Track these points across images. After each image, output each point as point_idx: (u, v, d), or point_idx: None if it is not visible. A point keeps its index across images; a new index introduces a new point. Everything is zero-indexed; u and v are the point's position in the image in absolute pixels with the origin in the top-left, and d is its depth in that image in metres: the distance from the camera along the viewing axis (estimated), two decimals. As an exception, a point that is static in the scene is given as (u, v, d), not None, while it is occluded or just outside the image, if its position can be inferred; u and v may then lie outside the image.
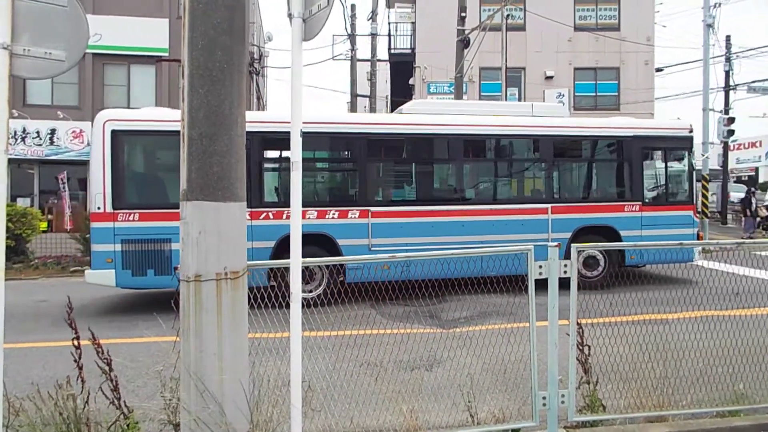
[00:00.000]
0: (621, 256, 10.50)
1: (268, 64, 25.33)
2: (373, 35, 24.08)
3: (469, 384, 4.28)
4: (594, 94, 22.78)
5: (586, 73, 22.82)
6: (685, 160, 11.53)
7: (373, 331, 4.69)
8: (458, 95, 16.53)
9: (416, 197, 10.28)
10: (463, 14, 15.96)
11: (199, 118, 3.00)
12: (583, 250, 3.78)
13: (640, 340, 4.39)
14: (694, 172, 11.93)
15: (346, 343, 4.25)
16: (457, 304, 7.92)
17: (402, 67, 24.23)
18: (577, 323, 3.90)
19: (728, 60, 25.32)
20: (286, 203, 9.09)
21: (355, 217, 9.57)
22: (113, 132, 8.74)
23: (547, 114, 11.15)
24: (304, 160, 9.30)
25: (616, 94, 22.79)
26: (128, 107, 18.01)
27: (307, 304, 9.23)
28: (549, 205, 10.40)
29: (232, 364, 3.08)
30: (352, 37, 23.42)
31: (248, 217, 8.71)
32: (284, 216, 9.07)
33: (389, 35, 24.75)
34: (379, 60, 25.34)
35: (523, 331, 4.00)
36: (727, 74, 25.45)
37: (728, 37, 25.48)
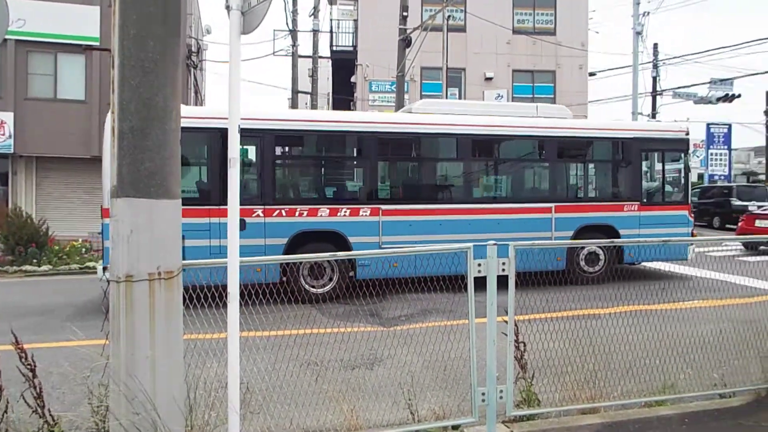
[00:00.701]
0: (619, 253, 10.76)
1: (206, 57, 24.67)
2: (315, 32, 23.86)
3: (410, 382, 4.30)
4: (531, 95, 23.40)
5: (524, 76, 23.42)
6: (681, 162, 11.86)
7: (314, 331, 4.64)
8: (399, 95, 16.62)
9: (425, 196, 10.34)
10: (405, 14, 16.04)
11: (131, 111, 2.87)
12: (521, 248, 3.83)
13: (574, 335, 4.51)
14: (690, 174, 12.13)
15: (287, 343, 4.18)
16: (398, 302, 7.95)
17: (344, 64, 24.15)
18: (515, 320, 3.97)
19: (655, 67, 26.63)
20: (299, 201, 9.64)
21: (366, 215, 9.63)
22: None
23: (551, 115, 11.35)
24: (317, 158, 9.18)
25: (553, 96, 23.49)
26: (55, 98, 17.15)
27: (317, 299, 9.02)
28: (553, 204, 10.60)
29: (165, 368, 2.96)
30: (293, 32, 23.11)
31: (261, 215, 9.11)
32: (296, 213, 9.27)
33: (331, 32, 24.60)
34: (320, 57, 25.13)
35: (463, 329, 4.05)
36: (655, 80, 26.77)
37: (656, 45, 26.81)
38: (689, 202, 11.85)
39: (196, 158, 9.52)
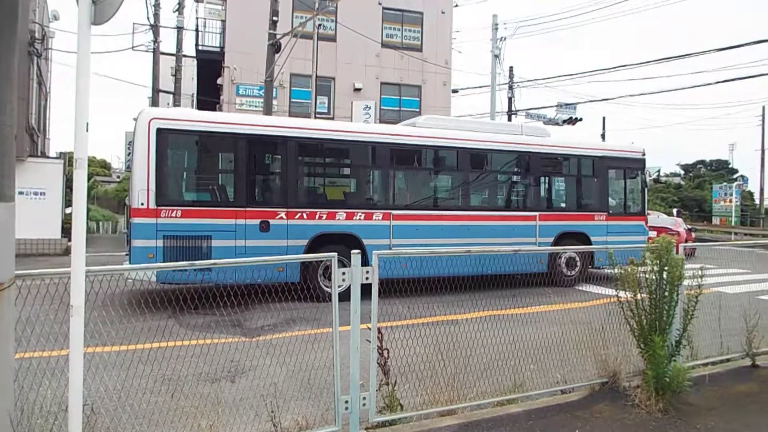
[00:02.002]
0: (592, 258, 11.55)
1: (52, 46, 22.45)
2: (179, 29, 22.73)
3: (273, 393, 4.20)
4: (398, 108, 24.16)
5: (392, 88, 24.12)
6: (639, 178, 13.29)
7: (171, 344, 4.37)
8: (268, 100, 16.33)
9: (430, 203, 11.17)
10: (275, 18, 15.81)
11: (-46, 101, 2.51)
12: (384, 256, 3.91)
13: (435, 340, 4.68)
14: (646, 189, 13.56)
15: (139, 358, 3.89)
16: (262, 311, 7.75)
17: (210, 65, 23.24)
18: (378, 327, 4.04)
19: (511, 88, 28.75)
20: (320, 205, 10.24)
21: (378, 219, 10.36)
22: (158, 130, 8.85)
23: (533, 134, 12.64)
24: (336, 165, 10.47)
25: (418, 110, 24.41)
26: None
27: (330, 297, 9.37)
28: (537, 213, 11.83)
29: (-9, 392, 2.61)
30: (155, 27, 21.82)
31: (284, 217, 9.59)
32: (317, 216, 9.87)
33: (197, 31, 23.57)
34: (185, 56, 23.99)
35: (329, 337, 4.04)
36: (510, 100, 28.88)
37: (511, 68, 28.97)
38: (646, 213, 13.46)
39: (223, 163, 10.02)
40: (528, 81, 29.09)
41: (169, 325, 4.23)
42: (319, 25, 19.32)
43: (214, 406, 4.23)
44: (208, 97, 24.42)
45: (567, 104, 28.74)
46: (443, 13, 24.69)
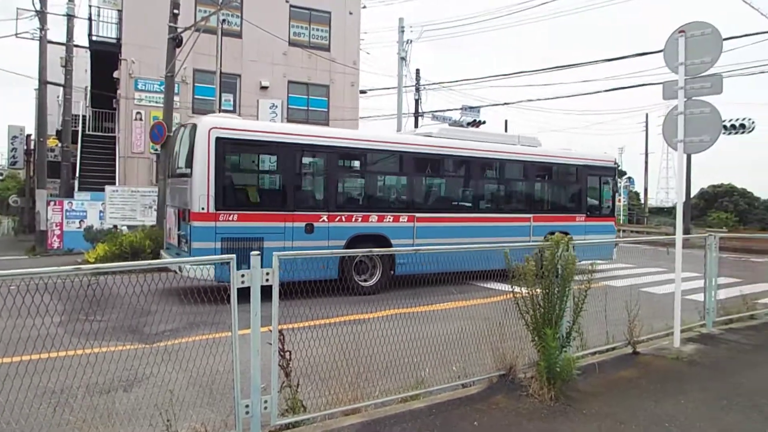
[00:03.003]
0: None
1: None
2: (70, 16, 21.22)
3: (170, 400, 4.02)
4: (306, 108, 23.97)
5: (300, 87, 23.87)
6: (610, 184, 15.23)
7: (55, 354, 4.06)
8: (169, 95, 15.61)
9: (446, 206, 12.49)
10: (176, 11, 15.14)
11: None
12: (284, 257, 3.86)
13: (340, 340, 4.67)
14: (616, 194, 15.36)
15: (16, 372, 3.59)
16: (162, 315, 7.40)
17: (106, 57, 21.93)
18: (279, 329, 3.98)
19: (418, 90, 29.33)
20: (356, 208, 11.17)
21: (404, 222, 11.43)
22: (218, 139, 9.47)
23: (528, 144, 14.00)
24: (370, 172, 11.76)
25: (326, 110, 24.36)
26: None
27: (364, 291, 10.48)
28: (531, 215, 13.36)
29: None
30: (41, 14, 20.24)
31: (326, 220, 10.52)
32: (353, 219, 10.86)
33: (90, 20, 22.13)
34: (77, 46, 22.43)
35: (231, 340, 3.92)
36: (417, 102, 29.46)
37: (418, 71, 29.53)
38: (615, 215, 15.16)
39: (274, 169, 10.76)
40: (434, 84, 29.81)
41: (51, 334, 3.91)
42: (224, 20, 18.76)
43: (105, 417, 4.00)
44: (104, 90, 23.04)
45: (471, 107, 29.77)
46: (351, 13, 24.77)
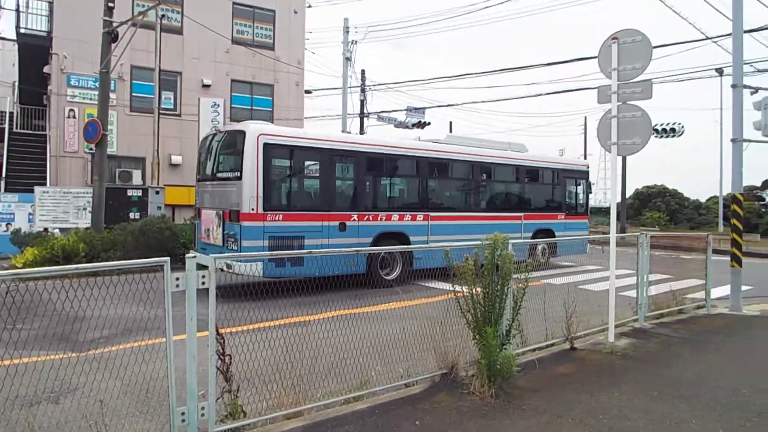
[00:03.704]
0: (555, 249, 14.84)
1: None
2: (-5, 7, 20.11)
3: (101, 411, 3.85)
4: (250, 107, 23.58)
5: (243, 86, 23.46)
6: (584, 185, 16.90)
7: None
8: (104, 92, 14.95)
9: (454, 206, 13.76)
10: (110, 4, 14.54)
11: None
12: (222, 260, 3.76)
13: (283, 342, 4.59)
14: (589, 194, 17.19)
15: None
16: (96, 321, 7.08)
17: (35, 51, 20.86)
18: (220, 333, 3.88)
19: (363, 91, 29.34)
20: (381, 209, 12.15)
21: (420, 220, 12.54)
22: (265, 145, 10.25)
23: (516, 150, 15.59)
24: (393, 175, 13.24)
25: (271, 109, 24.02)
26: None
27: (387, 284, 11.40)
28: (522, 214, 14.85)
29: None
30: (-36, 5, 19.10)
31: (356, 219, 11.53)
32: (378, 218, 11.90)
33: (17, 10, 21.05)
34: (3, 39, 21.32)
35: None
36: (362, 103, 29.46)
37: (363, 71, 29.53)
38: (588, 213, 17.13)
39: (314, 174, 11.58)
40: (379, 84, 30.00)
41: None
42: (163, 15, 18.24)
43: (26, 432, 3.79)
44: (34, 86, 21.94)
45: (416, 108, 30.00)
46: (296, 12, 24.54)
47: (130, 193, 17.68)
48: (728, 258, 9.84)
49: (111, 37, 14.57)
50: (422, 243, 12.03)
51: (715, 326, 8.32)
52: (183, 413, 3.58)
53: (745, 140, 9.95)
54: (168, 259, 3.45)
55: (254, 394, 4.29)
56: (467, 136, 15.97)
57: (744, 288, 10.05)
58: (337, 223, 11.21)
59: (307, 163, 11.65)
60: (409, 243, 12.05)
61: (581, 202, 17.04)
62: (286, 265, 9.46)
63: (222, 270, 7.79)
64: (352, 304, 6.05)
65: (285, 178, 11.20)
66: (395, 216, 12.23)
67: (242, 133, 10.39)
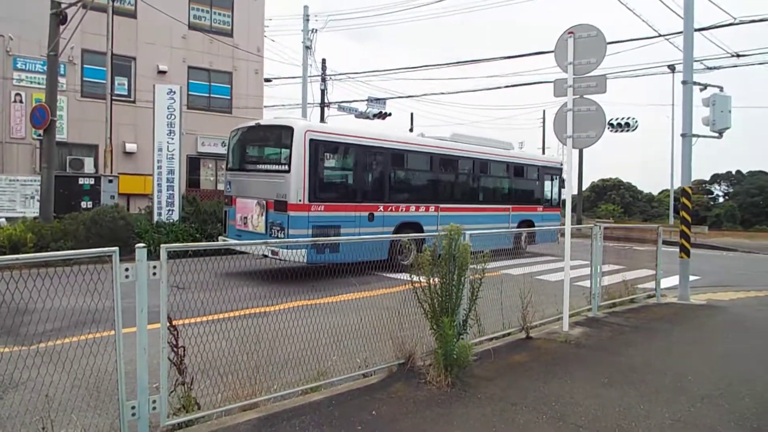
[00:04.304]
0: (533, 237, 16.75)
1: None
2: (-65, -15, 19.06)
3: (47, 406, 3.72)
4: (208, 95, 23.08)
5: (201, 73, 22.92)
6: (558, 181, 18.67)
7: None
8: (52, 76, 14.32)
9: (459, 197, 14.93)
10: (60, -16, 13.98)
11: None
12: (172, 250, 3.66)
13: (240, 333, 4.53)
14: (562, 189, 18.81)
15: None
16: (44, 314, 6.83)
17: (-22, 32, 19.90)
18: (173, 324, 3.79)
19: (323, 80, 29.05)
20: (401, 200, 13.22)
21: (432, 211, 13.70)
22: (311, 140, 11.00)
23: (503, 147, 17.08)
24: (411, 169, 14.52)
25: (229, 98, 23.58)
26: None
27: (404, 268, 10.07)
28: (510, 206, 16.48)
29: None
30: None
31: (382, 210, 12.52)
32: (400, 210, 12.96)
33: (-40, -11, 20.01)
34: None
35: (124, 339, 3.68)
36: (323, 92, 29.18)
37: (324, 60, 29.24)
38: (560, 206, 18.55)
39: (350, 167, 12.42)
40: (340, 74, 29.76)
41: None
42: (116, -2, 17.59)
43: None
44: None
45: (377, 99, 29.90)
46: (255, -2, 24.07)
47: (81, 181, 17.09)
48: (678, 249, 10.19)
49: (59, 18, 13.98)
50: (433, 231, 12.57)
51: (664, 315, 8.61)
52: (133, 407, 3.49)
53: (695, 135, 10.30)
54: (116, 249, 3.33)
55: (210, 386, 4.22)
56: (469, 135, 16.65)
57: (692, 278, 10.44)
58: (366, 213, 12.17)
59: (346, 157, 12.48)
60: (422, 231, 12.87)
61: (555, 196, 18.71)
62: (325, 252, 9.94)
63: (265, 256, 9.35)
64: (310, 295, 6.01)
65: (327, 171, 12.01)
66: (413, 207, 13.30)
67: (290, 128, 11.11)
